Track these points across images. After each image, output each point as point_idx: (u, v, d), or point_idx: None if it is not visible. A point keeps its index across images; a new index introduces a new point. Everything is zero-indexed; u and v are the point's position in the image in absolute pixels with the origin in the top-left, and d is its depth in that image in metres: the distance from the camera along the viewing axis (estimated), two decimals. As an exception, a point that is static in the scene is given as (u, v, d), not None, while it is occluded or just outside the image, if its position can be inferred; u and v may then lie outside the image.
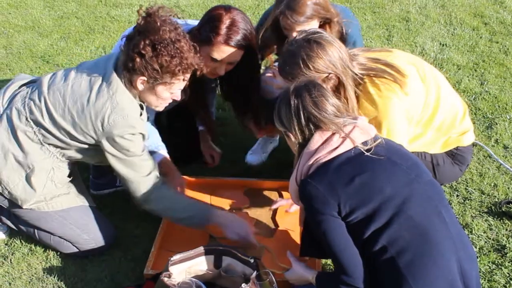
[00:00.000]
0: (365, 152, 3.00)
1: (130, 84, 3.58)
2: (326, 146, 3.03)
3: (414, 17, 7.24)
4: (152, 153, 4.16)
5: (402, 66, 3.74)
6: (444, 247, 2.88)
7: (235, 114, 4.63)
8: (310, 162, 3.05)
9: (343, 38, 4.22)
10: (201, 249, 3.55)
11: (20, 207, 3.85)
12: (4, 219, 4.11)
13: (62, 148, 3.76)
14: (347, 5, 7.50)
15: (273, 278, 3.22)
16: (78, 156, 3.83)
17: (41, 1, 8.19)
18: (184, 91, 4.03)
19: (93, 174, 4.57)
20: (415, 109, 3.85)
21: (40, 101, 3.67)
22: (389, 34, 6.85)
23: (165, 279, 3.30)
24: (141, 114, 3.67)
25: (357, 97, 3.67)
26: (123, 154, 3.67)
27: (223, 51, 3.90)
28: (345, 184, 2.92)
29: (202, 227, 3.94)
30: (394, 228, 2.86)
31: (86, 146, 3.72)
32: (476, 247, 3.96)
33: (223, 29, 3.84)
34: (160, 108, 3.75)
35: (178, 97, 3.69)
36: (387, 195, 2.90)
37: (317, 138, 3.06)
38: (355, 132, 3.06)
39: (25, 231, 4.07)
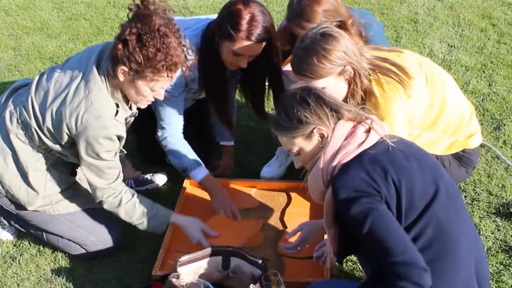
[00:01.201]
0: (390, 148, 2.97)
1: (113, 73, 3.49)
2: (351, 141, 2.99)
3: (422, 19, 7.23)
4: (191, 169, 4.27)
5: (410, 68, 3.73)
6: (463, 247, 2.87)
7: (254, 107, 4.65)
8: (337, 160, 2.98)
9: (363, 41, 4.20)
10: (209, 250, 3.55)
11: (26, 210, 3.86)
12: (12, 222, 4.12)
13: (50, 151, 3.76)
14: (355, 7, 7.51)
15: (281, 279, 3.22)
16: (68, 160, 3.82)
17: (49, 2, 8.20)
18: (203, 85, 4.14)
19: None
20: (416, 112, 3.85)
21: (27, 102, 3.65)
22: (398, 36, 6.85)
23: (174, 280, 3.30)
24: (116, 113, 3.58)
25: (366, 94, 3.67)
26: (94, 159, 3.62)
27: (245, 46, 3.91)
28: (382, 177, 2.85)
29: (159, 232, 3.98)
30: (420, 226, 2.82)
31: (69, 149, 3.70)
32: (484, 248, 3.96)
33: (244, 24, 3.84)
34: (141, 105, 3.68)
35: (160, 96, 3.61)
36: (417, 193, 2.86)
37: (339, 134, 3.02)
38: (375, 125, 3.05)
39: (34, 233, 4.09)
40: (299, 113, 3.07)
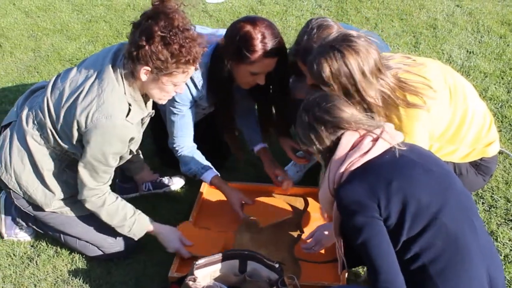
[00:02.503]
0: (398, 156, 2.97)
1: (133, 75, 3.50)
2: (357, 150, 2.99)
3: (441, 24, 7.21)
4: (199, 173, 4.32)
5: (434, 81, 3.71)
6: (475, 256, 2.86)
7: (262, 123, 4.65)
8: (342, 169, 3.00)
9: None
10: (226, 253, 3.56)
11: (44, 211, 3.89)
12: (30, 223, 4.16)
13: (66, 152, 3.76)
14: (374, 12, 7.50)
15: (297, 283, 3.23)
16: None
17: (69, 4, 8.23)
18: (213, 102, 4.14)
19: (120, 179, 4.62)
20: (437, 128, 3.83)
21: (43, 102, 3.67)
22: (416, 41, 6.83)
23: (190, 283, 3.31)
24: (128, 114, 3.55)
25: (388, 107, 3.62)
26: (95, 161, 3.60)
27: (264, 64, 3.92)
28: (384, 187, 2.86)
29: (137, 237, 3.97)
30: (428, 236, 2.83)
31: (82, 148, 3.66)
32: (501, 255, 3.94)
33: (258, 44, 3.84)
34: (163, 101, 3.69)
35: (181, 90, 3.65)
36: (424, 203, 2.85)
37: (345, 143, 3.03)
38: (384, 135, 3.03)
39: (51, 235, 4.12)
40: (298, 129, 3.19)
